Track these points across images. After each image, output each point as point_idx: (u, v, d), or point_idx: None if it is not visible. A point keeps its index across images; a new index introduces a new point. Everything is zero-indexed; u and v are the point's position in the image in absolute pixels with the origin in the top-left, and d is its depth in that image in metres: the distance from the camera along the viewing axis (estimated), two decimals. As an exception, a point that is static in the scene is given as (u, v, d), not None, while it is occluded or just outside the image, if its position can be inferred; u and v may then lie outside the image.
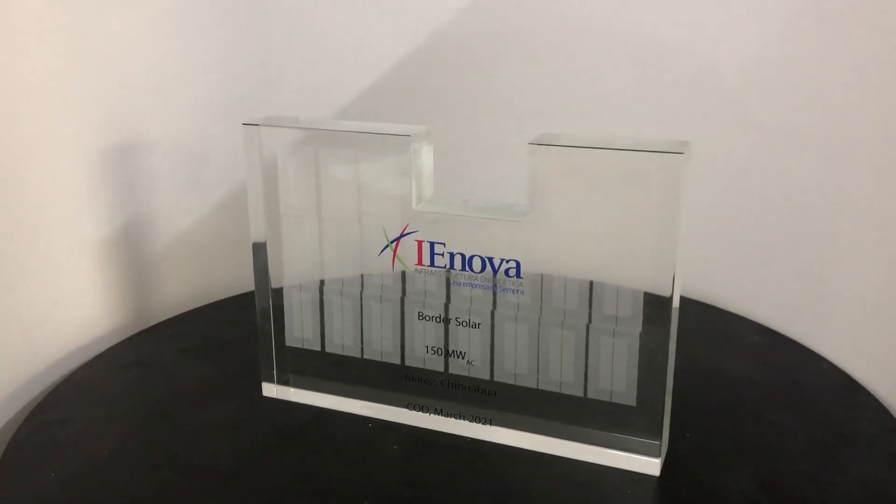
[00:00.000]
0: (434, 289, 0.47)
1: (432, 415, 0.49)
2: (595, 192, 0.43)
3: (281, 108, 0.57)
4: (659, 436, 0.45)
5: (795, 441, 0.49)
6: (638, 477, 0.45)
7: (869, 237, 0.56)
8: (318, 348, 0.51)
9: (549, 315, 0.45)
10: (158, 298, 0.66)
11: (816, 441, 0.49)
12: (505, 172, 0.50)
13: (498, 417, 0.48)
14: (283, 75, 0.68)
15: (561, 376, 0.46)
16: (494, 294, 0.46)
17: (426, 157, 0.47)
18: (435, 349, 0.49)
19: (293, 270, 0.51)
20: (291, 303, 0.51)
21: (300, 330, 0.52)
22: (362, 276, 0.49)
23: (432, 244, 0.47)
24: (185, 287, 0.67)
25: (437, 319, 0.48)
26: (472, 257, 0.46)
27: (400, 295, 0.49)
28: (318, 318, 0.51)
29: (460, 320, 0.47)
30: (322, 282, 0.50)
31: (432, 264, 0.47)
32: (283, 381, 0.53)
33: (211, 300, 0.68)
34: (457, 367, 0.48)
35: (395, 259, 0.48)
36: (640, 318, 0.44)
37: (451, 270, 0.47)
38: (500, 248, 0.45)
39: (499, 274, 0.46)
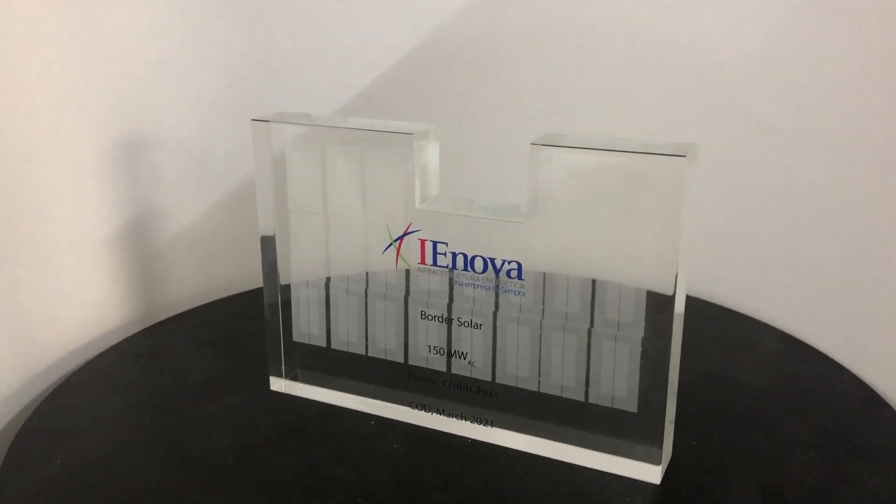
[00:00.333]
0: (437, 288, 0.47)
1: (434, 414, 0.49)
2: (597, 194, 0.42)
3: (284, 105, 0.56)
4: (660, 443, 0.44)
5: (805, 453, 0.47)
6: (638, 484, 0.44)
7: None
8: (324, 344, 0.52)
9: (550, 318, 0.45)
10: (174, 291, 0.66)
11: (827, 454, 0.47)
12: (514, 171, 0.49)
13: (499, 419, 0.48)
14: (287, 72, 0.68)
15: (562, 380, 0.46)
16: (497, 295, 0.46)
17: (431, 156, 0.47)
18: (437, 349, 0.48)
19: (300, 266, 0.51)
20: (298, 298, 0.52)
21: (307, 325, 0.52)
22: (367, 273, 0.49)
23: (435, 243, 0.46)
24: (204, 279, 0.68)
25: (440, 319, 0.48)
26: (474, 257, 0.46)
27: (404, 293, 0.48)
28: (325, 315, 0.51)
29: (462, 320, 0.47)
30: (328, 278, 0.50)
31: (435, 263, 0.47)
32: (292, 377, 0.53)
33: (228, 293, 0.68)
34: (459, 368, 0.48)
35: (399, 257, 0.47)
36: (642, 324, 0.43)
37: (454, 270, 0.46)
38: (501, 248, 0.45)
39: (500, 275, 0.45)
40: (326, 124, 0.48)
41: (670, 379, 0.43)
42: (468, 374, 0.48)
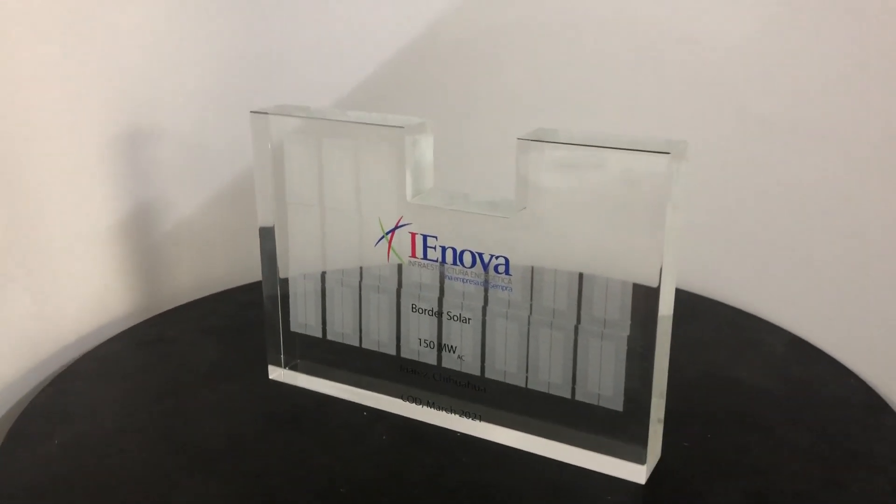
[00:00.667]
0: (428, 282, 0.47)
1: (424, 407, 0.49)
2: (584, 190, 0.42)
3: (281, 98, 0.57)
4: (644, 443, 0.43)
5: (800, 458, 0.47)
6: (622, 483, 0.44)
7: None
8: (320, 335, 0.52)
9: (538, 314, 0.45)
10: (180, 281, 0.67)
11: (822, 459, 0.46)
12: (510, 166, 0.49)
13: (487, 414, 0.48)
14: (284, 67, 0.68)
15: (549, 377, 0.45)
16: (486, 290, 0.46)
17: (424, 150, 0.47)
18: (428, 342, 0.48)
19: (297, 257, 0.52)
20: (296, 289, 0.52)
21: (304, 316, 0.52)
22: (361, 266, 0.50)
23: (425, 237, 0.46)
24: (210, 269, 0.69)
25: (430, 312, 0.48)
26: (462, 252, 0.46)
27: (396, 286, 0.49)
28: (320, 306, 0.52)
29: (452, 314, 0.47)
30: (324, 270, 0.51)
31: (425, 257, 0.47)
32: (292, 366, 0.54)
33: (239, 283, 0.69)
34: (449, 362, 0.48)
35: (391, 250, 0.48)
36: (628, 322, 0.42)
37: (444, 264, 0.46)
38: (489, 243, 0.45)
39: (489, 270, 0.45)
40: (322, 117, 0.49)
41: (656, 378, 0.43)
42: (458, 369, 0.48)
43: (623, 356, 0.43)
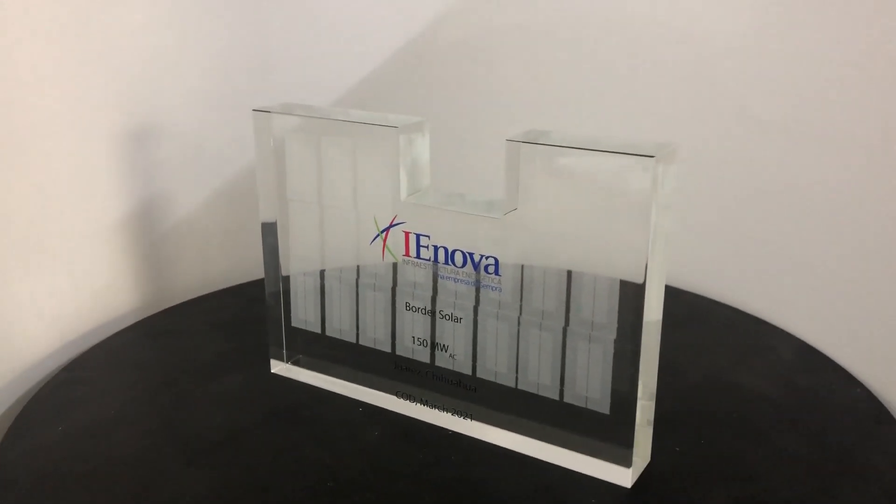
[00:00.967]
0: (422, 280, 0.48)
1: (418, 404, 0.50)
2: (571, 191, 0.42)
3: (280, 98, 0.57)
4: (630, 446, 0.43)
5: (793, 467, 0.46)
6: (608, 486, 0.44)
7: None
8: (319, 331, 0.53)
9: (528, 315, 0.45)
10: (188, 275, 0.69)
11: (815, 469, 0.46)
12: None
13: (477, 413, 0.48)
14: (283, 66, 0.69)
15: (539, 378, 0.45)
16: (477, 290, 0.46)
17: (420, 149, 0.47)
18: (421, 340, 0.49)
19: (298, 253, 0.52)
20: (297, 285, 0.53)
21: (304, 312, 0.53)
22: (358, 263, 0.50)
23: (418, 236, 0.47)
24: (222, 264, 0.70)
25: (424, 311, 0.48)
26: (454, 251, 0.46)
27: (391, 284, 0.49)
28: (319, 302, 0.52)
29: (444, 313, 0.48)
30: (323, 266, 0.52)
31: (418, 256, 0.47)
32: (294, 361, 0.55)
33: (250, 279, 0.71)
34: (441, 360, 0.49)
35: (385, 249, 0.48)
36: (615, 325, 0.42)
37: (437, 263, 0.47)
38: (479, 243, 0.45)
39: (480, 270, 0.45)
40: (323, 116, 0.49)
41: (642, 382, 0.43)
42: (450, 367, 0.48)
43: (610, 359, 0.43)
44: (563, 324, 0.44)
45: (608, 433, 0.44)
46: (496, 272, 0.45)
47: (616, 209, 0.41)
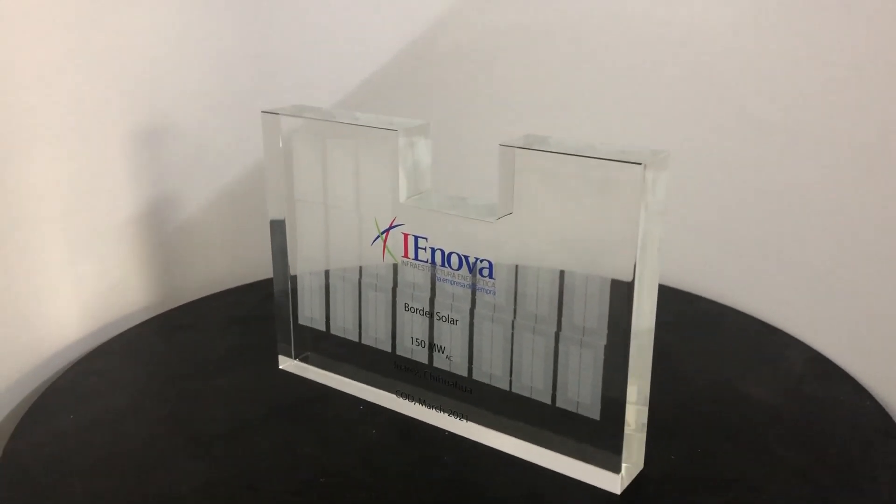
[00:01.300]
0: (420, 282, 0.48)
1: (416, 404, 0.50)
2: (564, 197, 0.42)
3: (282, 98, 0.58)
4: (619, 452, 0.43)
5: (791, 478, 0.45)
6: (597, 492, 0.44)
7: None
8: (324, 329, 0.54)
9: (521, 318, 0.45)
10: (208, 271, 0.70)
11: (813, 482, 0.45)
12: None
13: (473, 414, 0.48)
14: (286, 68, 0.69)
15: (532, 381, 0.46)
16: (473, 292, 0.46)
17: (420, 151, 0.48)
18: (419, 341, 0.49)
19: (304, 252, 0.53)
20: (303, 283, 0.54)
21: (310, 310, 0.54)
22: (360, 264, 0.51)
23: (416, 238, 0.47)
24: (230, 262, 0.71)
25: (422, 312, 0.49)
26: (450, 254, 0.46)
27: (392, 285, 0.50)
28: (324, 300, 0.53)
29: (441, 315, 0.48)
30: (327, 266, 0.53)
31: (416, 258, 0.48)
32: (302, 358, 0.56)
33: (260, 278, 0.72)
34: (439, 361, 0.49)
35: (385, 250, 0.49)
36: (605, 331, 0.42)
37: (434, 265, 0.47)
38: (475, 246, 0.45)
39: (474, 272, 0.46)
40: (330, 118, 0.50)
41: (632, 388, 0.42)
42: (447, 369, 0.49)
43: (601, 364, 0.43)
44: (555, 328, 0.44)
45: (598, 439, 0.44)
46: (490, 275, 0.45)
47: (607, 215, 0.41)
